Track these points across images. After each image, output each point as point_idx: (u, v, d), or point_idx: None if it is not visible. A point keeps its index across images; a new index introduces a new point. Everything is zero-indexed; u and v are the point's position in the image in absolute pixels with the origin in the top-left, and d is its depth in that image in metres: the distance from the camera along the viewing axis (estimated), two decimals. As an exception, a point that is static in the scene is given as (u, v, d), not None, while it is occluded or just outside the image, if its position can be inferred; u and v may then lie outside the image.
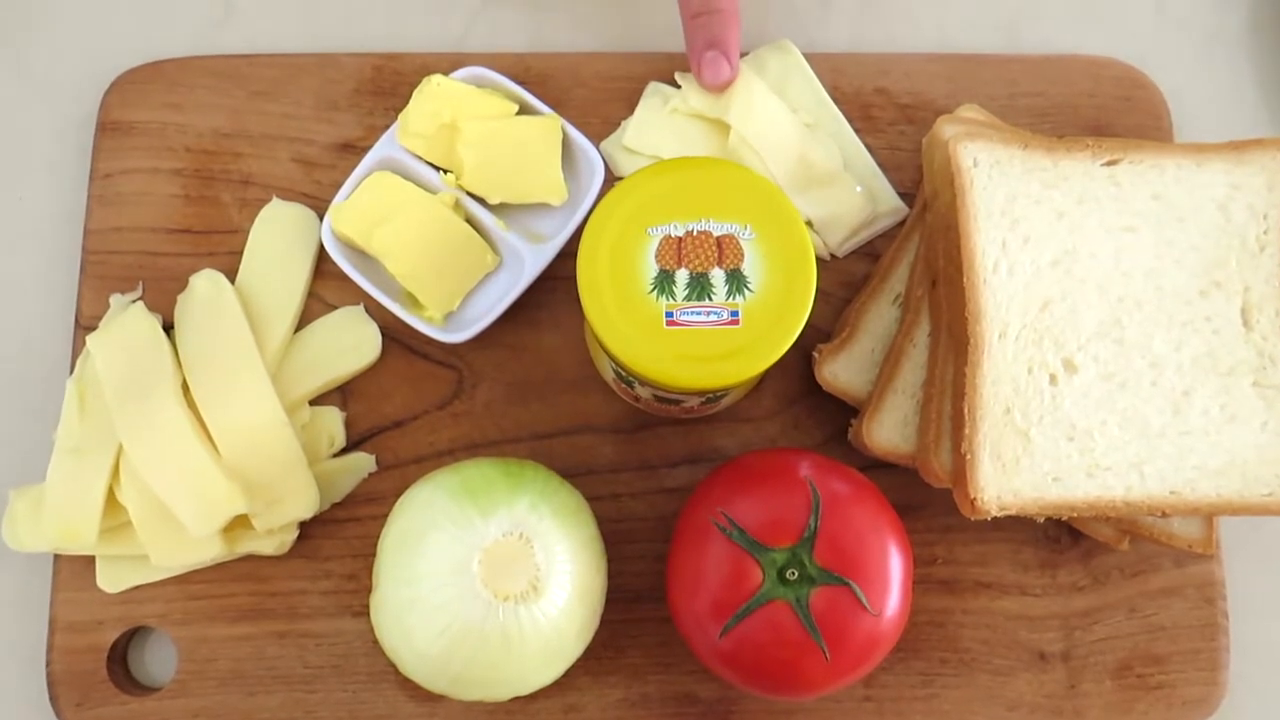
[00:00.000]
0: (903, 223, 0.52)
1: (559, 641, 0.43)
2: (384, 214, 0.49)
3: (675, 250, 0.40)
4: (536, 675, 0.43)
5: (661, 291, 0.40)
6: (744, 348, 0.40)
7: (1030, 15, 0.57)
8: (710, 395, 0.44)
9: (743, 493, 0.43)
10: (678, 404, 0.46)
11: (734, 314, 0.40)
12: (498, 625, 0.41)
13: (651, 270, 0.40)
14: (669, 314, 0.40)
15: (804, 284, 0.41)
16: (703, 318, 0.40)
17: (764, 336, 0.40)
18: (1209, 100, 0.56)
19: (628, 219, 0.41)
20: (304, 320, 0.51)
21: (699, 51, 0.49)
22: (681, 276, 0.40)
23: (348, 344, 0.50)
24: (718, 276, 0.40)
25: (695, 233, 0.41)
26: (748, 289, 0.40)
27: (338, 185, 0.51)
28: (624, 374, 0.44)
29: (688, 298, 0.40)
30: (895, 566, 0.43)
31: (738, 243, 0.41)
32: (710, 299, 0.40)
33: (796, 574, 0.42)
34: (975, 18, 0.57)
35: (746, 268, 0.40)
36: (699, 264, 0.40)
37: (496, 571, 0.41)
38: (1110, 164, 0.47)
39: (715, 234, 0.41)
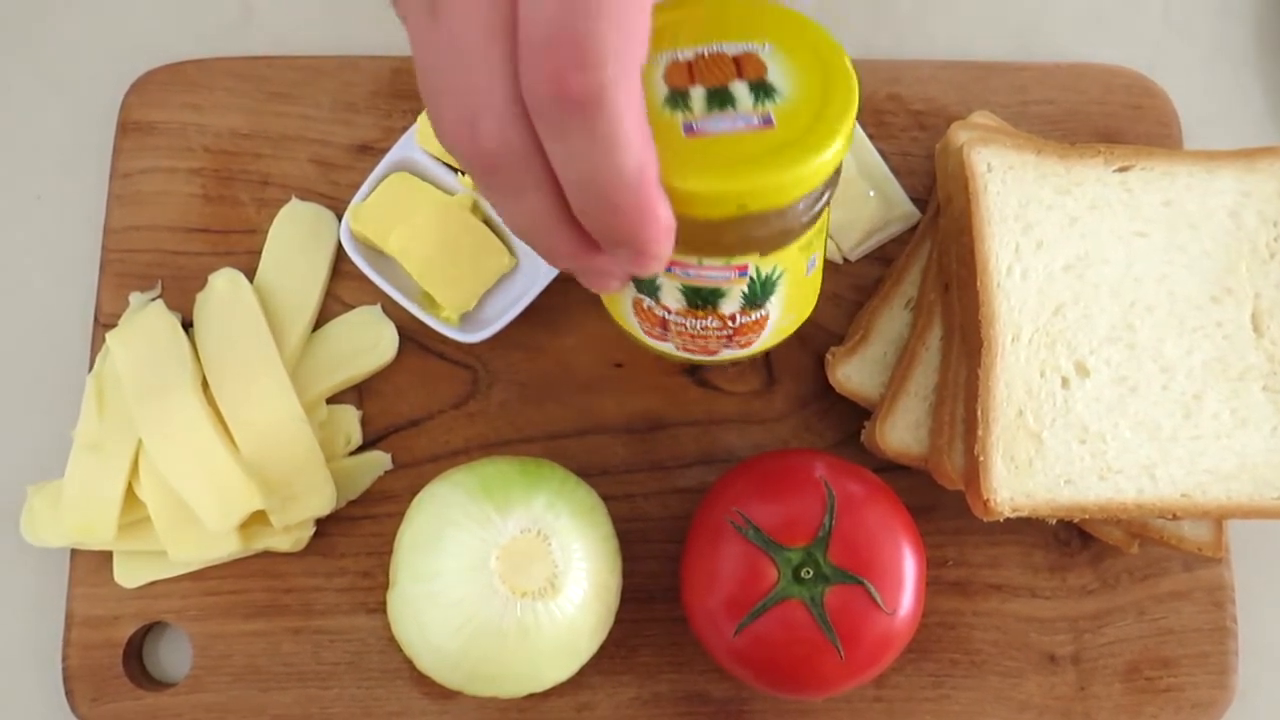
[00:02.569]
0: (915, 227, 0.53)
1: (574, 639, 0.43)
2: (402, 215, 0.50)
3: (685, 72, 0.34)
4: (552, 672, 0.44)
5: (675, 107, 0.33)
6: (783, 146, 0.33)
7: (1041, 24, 0.57)
8: (752, 279, 0.37)
9: (758, 493, 0.44)
10: (714, 304, 0.38)
11: (767, 118, 0.33)
12: (515, 621, 0.41)
13: (661, 91, 0.34)
14: (688, 125, 0.33)
15: (844, 80, 0.34)
16: (729, 124, 0.33)
17: (806, 134, 0.33)
18: (1217, 108, 0.57)
19: None
20: (321, 319, 0.51)
21: (608, 249, 0.33)
22: (697, 93, 0.34)
23: (365, 343, 0.51)
24: (740, 88, 0.34)
25: (706, 55, 0.34)
26: (777, 95, 0.33)
27: (355, 186, 0.52)
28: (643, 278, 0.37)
29: (707, 109, 0.33)
30: (909, 566, 0.43)
31: (758, 58, 0.34)
32: (734, 108, 0.33)
33: (811, 573, 0.42)
34: (986, 26, 0.57)
35: (772, 77, 0.34)
36: (715, 80, 0.34)
37: (514, 568, 0.42)
38: (1122, 170, 0.48)
39: (730, 54, 0.34)
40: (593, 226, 0.31)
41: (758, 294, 0.38)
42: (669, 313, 0.40)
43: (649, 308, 0.40)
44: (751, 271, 0.37)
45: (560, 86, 0.27)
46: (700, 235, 0.34)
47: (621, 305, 0.42)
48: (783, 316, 0.41)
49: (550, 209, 0.30)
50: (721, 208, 0.33)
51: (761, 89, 0.34)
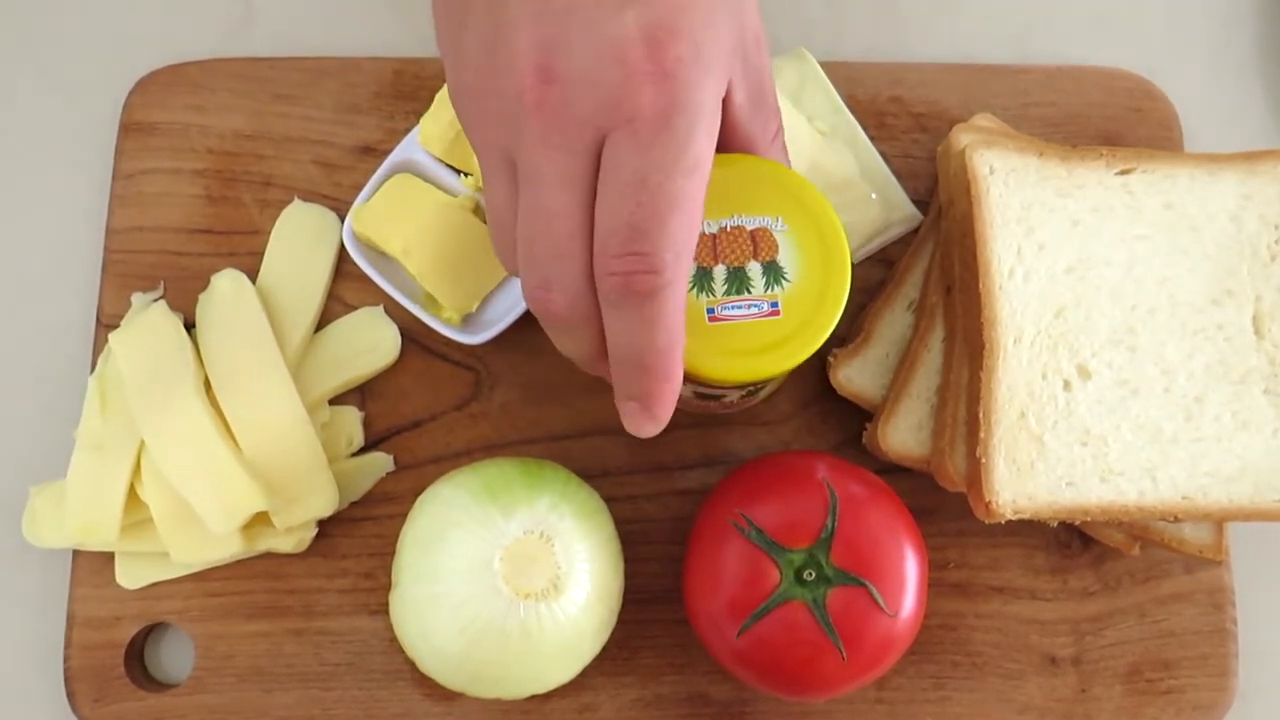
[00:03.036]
0: (917, 230, 0.53)
1: (578, 640, 0.43)
2: (404, 216, 0.50)
3: (710, 247, 0.41)
4: (555, 673, 0.44)
5: (701, 289, 0.40)
6: (787, 337, 0.40)
7: (1042, 27, 0.57)
8: (752, 388, 0.44)
9: (761, 494, 0.44)
10: (718, 399, 0.46)
11: (774, 305, 0.40)
12: (518, 623, 0.42)
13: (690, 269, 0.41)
14: (710, 310, 0.40)
15: (839, 269, 0.41)
16: (744, 311, 0.40)
17: (805, 324, 0.40)
18: (1218, 112, 0.57)
19: None
20: (323, 320, 0.51)
21: (620, 398, 0.40)
22: (719, 272, 0.40)
23: (367, 344, 0.51)
24: (754, 269, 0.40)
25: (728, 228, 0.41)
26: (785, 280, 0.40)
27: (357, 187, 0.52)
28: None
29: (727, 293, 0.40)
30: (911, 568, 0.43)
31: (771, 235, 0.41)
32: (749, 292, 0.40)
33: (814, 574, 0.42)
34: (988, 29, 0.57)
35: (782, 259, 0.41)
36: (735, 259, 0.41)
37: (517, 569, 0.42)
38: (1124, 173, 0.48)
39: (748, 228, 0.41)
40: (616, 374, 0.38)
41: (753, 393, 0.46)
42: (680, 397, 0.47)
43: None
44: (751, 384, 0.44)
45: (628, 285, 0.34)
46: (715, 385, 0.43)
47: None
48: (769, 393, 0.50)
49: (592, 348, 0.38)
50: (734, 382, 0.41)
51: (772, 272, 0.40)
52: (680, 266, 0.35)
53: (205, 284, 0.51)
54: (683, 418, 0.51)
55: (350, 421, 0.50)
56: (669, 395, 0.38)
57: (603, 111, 0.33)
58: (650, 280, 0.34)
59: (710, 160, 0.35)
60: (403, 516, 0.46)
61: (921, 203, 0.53)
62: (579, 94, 0.33)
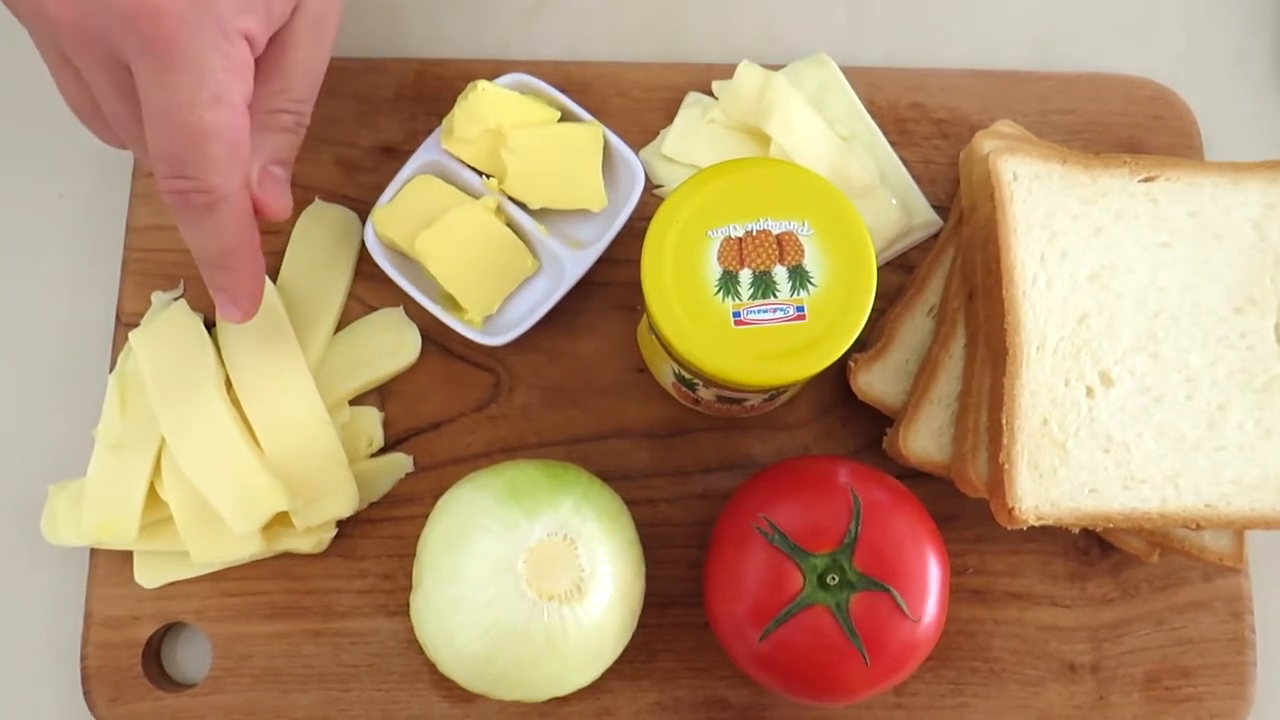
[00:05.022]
0: (937, 235, 0.53)
1: (600, 643, 0.43)
2: (427, 217, 0.50)
3: (737, 251, 0.41)
4: (576, 676, 0.43)
5: (727, 293, 0.40)
6: (812, 342, 0.40)
7: (1062, 34, 0.58)
8: (774, 392, 0.45)
9: (784, 498, 0.44)
10: (740, 403, 0.47)
11: (800, 309, 0.40)
12: (541, 625, 0.41)
13: (715, 272, 0.41)
14: (736, 314, 0.40)
15: (865, 275, 0.41)
16: (769, 315, 0.40)
17: (830, 329, 0.40)
18: (1237, 120, 0.57)
19: (687, 224, 0.41)
20: (344, 321, 0.51)
21: (211, 290, 0.43)
22: (745, 276, 0.41)
23: (387, 345, 0.51)
24: (780, 274, 0.41)
25: (755, 232, 0.41)
26: (811, 284, 0.41)
27: (378, 188, 0.52)
28: (688, 377, 0.44)
29: (753, 297, 0.41)
30: (933, 573, 0.43)
31: (797, 239, 0.41)
32: (775, 296, 0.41)
33: (837, 579, 0.42)
34: (1008, 36, 0.57)
35: (808, 263, 0.41)
36: (761, 263, 0.41)
37: (541, 572, 0.42)
38: (1147, 181, 0.48)
39: (774, 232, 0.41)
40: (203, 272, 0.42)
41: (777, 396, 0.47)
42: (699, 403, 0.49)
43: (685, 392, 0.48)
44: (774, 389, 0.44)
45: (185, 203, 0.39)
46: (739, 389, 0.43)
47: (664, 377, 0.49)
48: (791, 396, 0.50)
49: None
50: (758, 387, 0.42)
51: (798, 276, 0.41)
52: (231, 182, 0.39)
53: (226, 283, 0.50)
54: (703, 421, 0.51)
55: (370, 422, 0.50)
56: (246, 288, 0.42)
57: (114, 38, 0.36)
58: (203, 199, 0.38)
59: (236, 92, 0.38)
60: (422, 518, 0.46)
61: (942, 208, 0.53)
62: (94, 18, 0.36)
